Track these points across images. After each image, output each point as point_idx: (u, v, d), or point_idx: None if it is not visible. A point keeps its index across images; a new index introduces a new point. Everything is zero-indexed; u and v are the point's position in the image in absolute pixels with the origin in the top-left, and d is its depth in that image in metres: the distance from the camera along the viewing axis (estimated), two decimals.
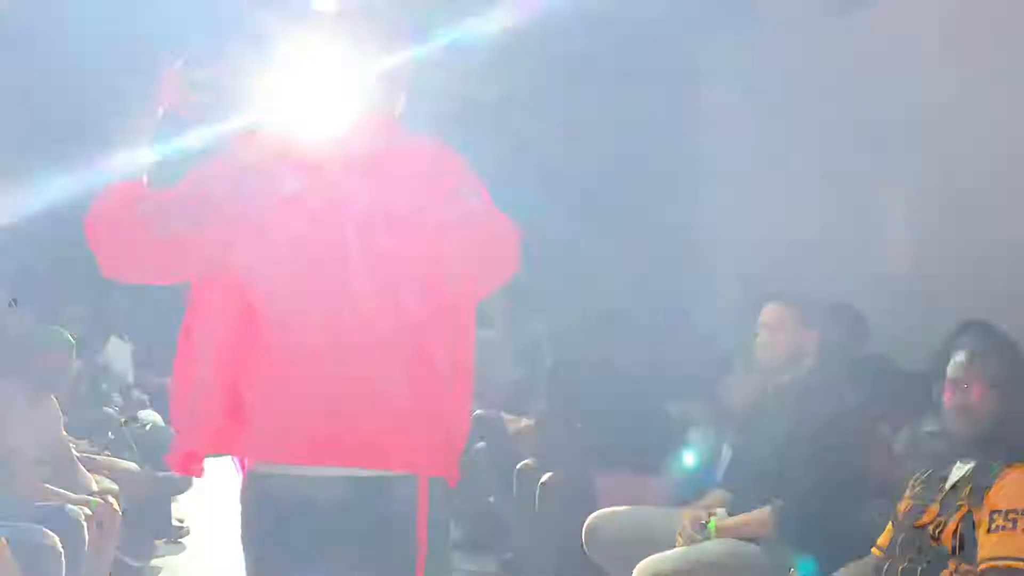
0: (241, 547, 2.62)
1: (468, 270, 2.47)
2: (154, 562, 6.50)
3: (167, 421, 7.85)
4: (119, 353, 8.28)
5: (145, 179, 2.46)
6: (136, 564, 6.16)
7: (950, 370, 3.28)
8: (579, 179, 7.64)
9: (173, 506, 7.12)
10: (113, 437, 6.34)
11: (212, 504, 8.27)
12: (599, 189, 7.60)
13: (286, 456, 2.48)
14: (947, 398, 3.26)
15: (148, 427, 7.46)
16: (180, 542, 6.95)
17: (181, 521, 7.14)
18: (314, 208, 2.42)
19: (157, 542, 6.73)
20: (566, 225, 7.41)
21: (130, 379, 8.40)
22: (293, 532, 2.51)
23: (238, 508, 2.62)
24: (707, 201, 7.91)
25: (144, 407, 8.10)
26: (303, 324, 2.43)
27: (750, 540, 4.03)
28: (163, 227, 2.44)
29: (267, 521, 2.55)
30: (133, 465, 6.18)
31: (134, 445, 6.70)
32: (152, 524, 6.63)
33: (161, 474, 6.73)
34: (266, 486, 2.54)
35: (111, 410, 6.98)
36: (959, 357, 3.27)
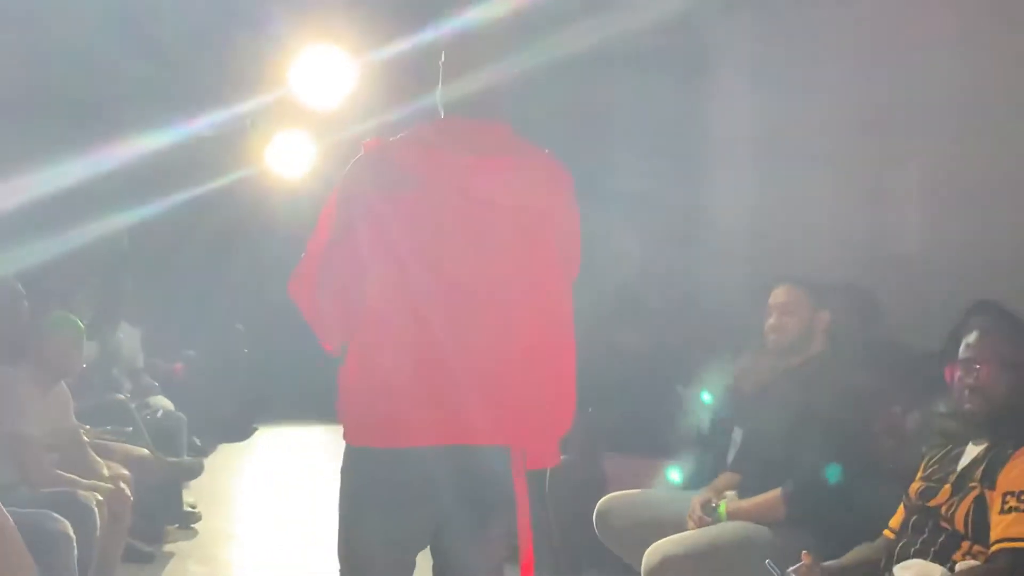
0: (339, 516, 2.97)
1: (574, 268, 2.94)
2: (166, 547, 6.51)
3: (177, 407, 7.91)
4: (129, 338, 8.30)
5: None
6: (148, 549, 6.19)
7: (962, 350, 3.27)
8: (588, 162, 7.63)
9: (185, 492, 7.14)
10: (131, 430, 6.34)
11: (224, 489, 8.31)
12: (608, 172, 7.59)
13: (402, 440, 2.80)
14: (959, 378, 3.24)
15: (159, 413, 7.49)
16: (192, 527, 6.96)
17: (193, 506, 7.15)
18: (450, 200, 2.78)
19: (169, 528, 6.74)
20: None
21: (140, 364, 8.42)
22: (403, 497, 2.82)
23: (340, 480, 2.96)
24: (717, 183, 7.89)
25: (154, 393, 8.13)
26: (431, 305, 2.77)
27: (761, 523, 4.02)
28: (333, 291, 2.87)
29: (378, 488, 2.85)
30: (144, 451, 6.18)
31: (145, 431, 6.72)
32: (164, 509, 6.64)
33: (172, 460, 6.76)
34: (374, 459, 2.85)
35: (122, 396, 6.99)
36: (971, 337, 3.26)
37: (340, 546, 3.02)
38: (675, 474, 4.81)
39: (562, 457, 5.07)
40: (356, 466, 2.92)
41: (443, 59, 2.96)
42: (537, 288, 2.84)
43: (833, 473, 3.93)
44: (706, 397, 5.30)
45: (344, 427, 2.93)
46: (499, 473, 2.86)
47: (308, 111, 9.11)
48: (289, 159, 10.43)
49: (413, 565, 2.98)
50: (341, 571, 3.06)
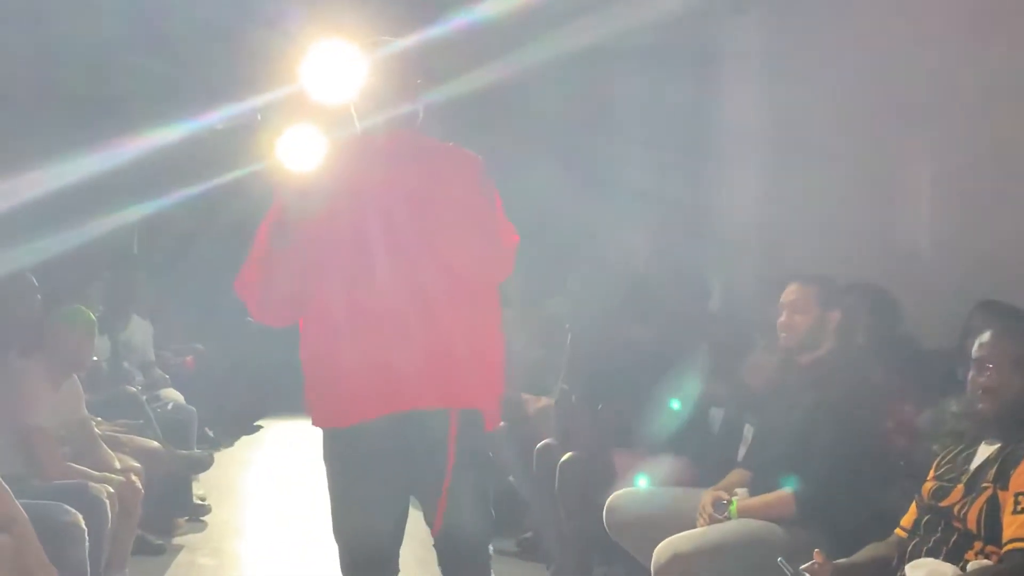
0: (330, 497, 3.36)
1: (504, 236, 3.30)
2: (176, 540, 6.53)
3: (188, 400, 7.93)
4: (140, 332, 8.32)
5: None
6: (158, 542, 6.21)
7: (975, 350, 3.25)
8: (600, 159, 7.64)
9: (194, 484, 7.16)
10: (142, 423, 6.36)
11: (233, 482, 8.33)
12: (620, 169, 7.59)
13: (354, 417, 3.20)
14: (972, 378, 3.24)
15: (170, 406, 7.51)
16: (202, 520, 6.98)
17: (203, 499, 7.17)
18: (368, 197, 3.22)
19: (179, 520, 6.75)
20: (587, 205, 7.41)
21: (151, 357, 8.44)
22: (367, 469, 3.23)
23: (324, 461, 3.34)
24: (726, 178, 7.88)
25: (165, 386, 8.15)
26: (361, 293, 3.18)
27: (771, 521, 4.02)
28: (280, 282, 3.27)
29: (346, 464, 3.27)
30: (155, 443, 6.21)
31: (156, 424, 6.74)
32: (174, 502, 6.66)
33: (183, 452, 6.78)
34: (339, 438, 3.26)
35: (133, 388, 7.01)
36: (984, 337, 3.25)
37: (332, 525, 3.40)
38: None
39: (572, 453, 5.14)
40: (329, 447, 3.33)
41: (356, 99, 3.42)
42: (460, 267, 3.24)
43: (844, 471, 3.93)
44: (717, 394, 5.30)
45: (313, 414, 3.32)
46: (441, 436, 3.24)
47: (318, 106, 9.10)
48: (299, 153, 10.42)
49: (399, 534, 3.37)
50: (338, 546, 3.41)
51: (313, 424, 3.34)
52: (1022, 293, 4.43)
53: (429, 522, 3.31)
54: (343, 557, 3.39)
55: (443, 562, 3.37)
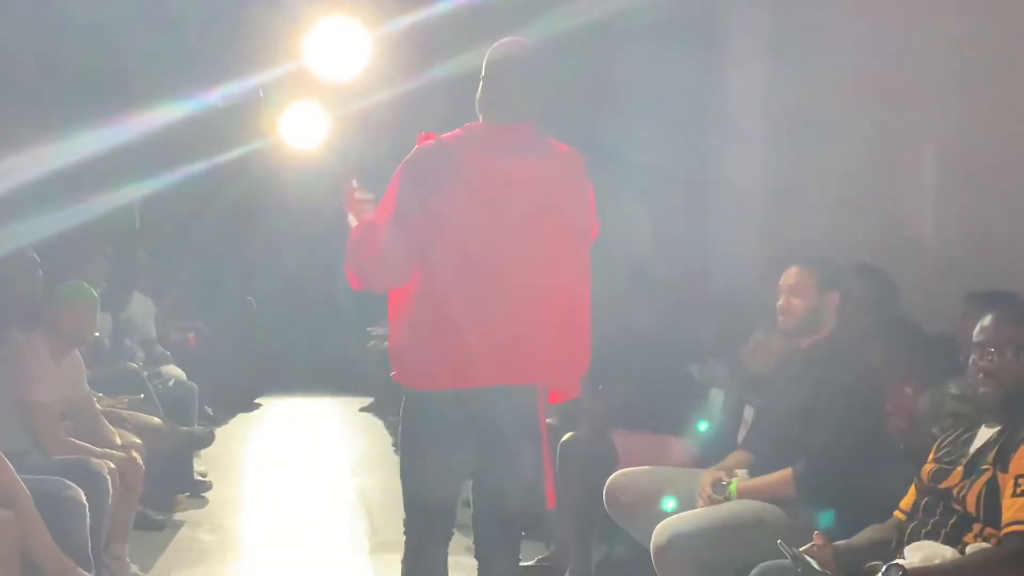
0: (401, 447, 3.67)
1: (591, 235, 3.65)
2: (176, 516, 6.55)
3: (190, 376, 7.94)
4: (141, 308, 8.32)
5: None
6: (159, 517, 6.23)
7: (976, 334, 3.26)
8: (604, 136, 7.61)
9: (195, 461, 7.17)
10: (143, 398, 6.37)
11: (233, 459, 8.35)
12: (623, 146, 7.57)
13: (449, 382, 3.47)
14: (973, 362, 3.24)
15: (171, 383, 7.52)
16: (203, 496, 7.00)
17: (203, 475, 7.20)
18: (492, 189, 3.48)
19: (179, 496, 6.77)
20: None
21: (152, 334, 8.45)
22: (445, 431, 3.51)
23: (401, 421, 3.65)
24: (731, 162, 7.87)
25: (167, 362, 8.16)
26: (475, 268, 3.44)
27: (771, 502, 4.02)
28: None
29: (425, 424, 3.54)
30: (156, 420, 6.22)
31: (157, 400, 6.75)
32: (174, 478, 6.68)
33: (184, 429, 6.79)
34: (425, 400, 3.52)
35: (134, 365, 7.02)
36: (985, 321, 3.25)
37: (402, 476, 3.64)
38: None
39: (573, 433, 5.15)
40: (411, 405, 3.59)
41: (484, 75, 3.59)
42: (560, 256, 3.54)
43: (843, 453, 3.93)
44: (718, 375, 5.31)
45: (400, 374, 3.57)
46: (530, 408, 3.55)
47: (321, 83, 9.09)
48: (302, 131, 10.42)
49: (460, 489, 3.67)
50: (404, 497, 3.65)
51: (401, 383, 3.58)
52: (1014, 279, 4.45)
53: (487, 489, 3.63)
54: (410, 507, 3.64)
55: (488, 530, 3.65)
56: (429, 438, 3.55)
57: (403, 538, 3.68)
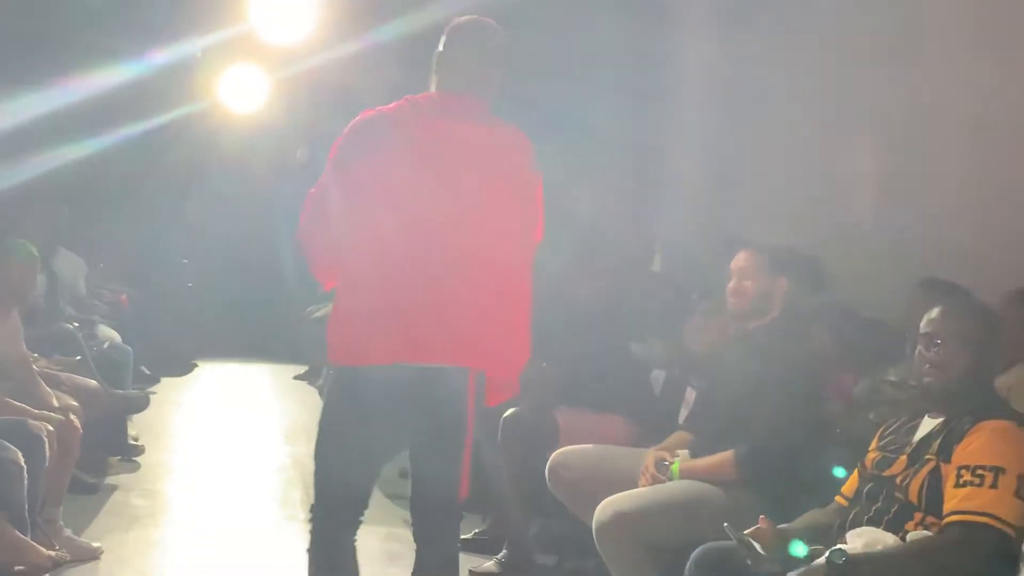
0: (320, 427, 3.49)
1: (536, 229, 3.48)
2: (108, 479, 6.50)
3: (124, 339, 7.84)
4: (69, 264, 8.15)
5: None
6: (92, 481, 6.17)
7: (923, 325, 3.31)
8: (553, 104, 7.61)
9: (128, 424, 7.11)
10: (79, 359, 6.29)
11: (167, 423, 8.28)
12: (572, 114, 7.57)
13: (371, 358, 3.33)
14: (919, 352, 3.30)
15: (106, 345, 7.43)
16: (135, 460, 6.95)
17: (136, 439, 7.13)
18: (434, 156, 3.33)
19: (112, 460, 6.72)
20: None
21: (82, 291, 8.31)
22: (371, 411, 3.35)
23: (325, 395, 3.53)
24: (674, 138, 7.91)
25: (98, 323, 8.05)
26: (409, 242, 3.29)
27: (713, 483, 4.06)
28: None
29: (350, 403, 3.39)
30: (93, 383, 6.15)
31: (92, 362, 6.67)
32: (108, 441, 6.62)
33: (119, 392, 6.73)
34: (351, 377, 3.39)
35: (70, 326, 6.92)
36: (933, 313, 3.31)
37: (317, 457, 3.50)
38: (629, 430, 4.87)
39: (515, 409, 5.17)
40: (337, 382, 3.48)
41: (442, 50, 3.49)
42: (502, 236, 3.39)
43: (786, 437, 3.99)
44: (660, 355, 5.35)
45: (329, 348, 3.42)
46: (459, 394, 3.42)
47: (263, 45, 9.00)
48: (243, 94, 10.31)
49: (377, 476, 3.54)
50: (316, 478, 3.51)
51: (329, 359, 3.48)
52: (954, 269, 4.53)
53: (413, 472, 3.52)
54: (320, 491, 3.50)
55: (427, 512, 3.54)
56: (352, 417, 3.41)
57: None
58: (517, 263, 3.46)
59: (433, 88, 3.49)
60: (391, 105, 3.43)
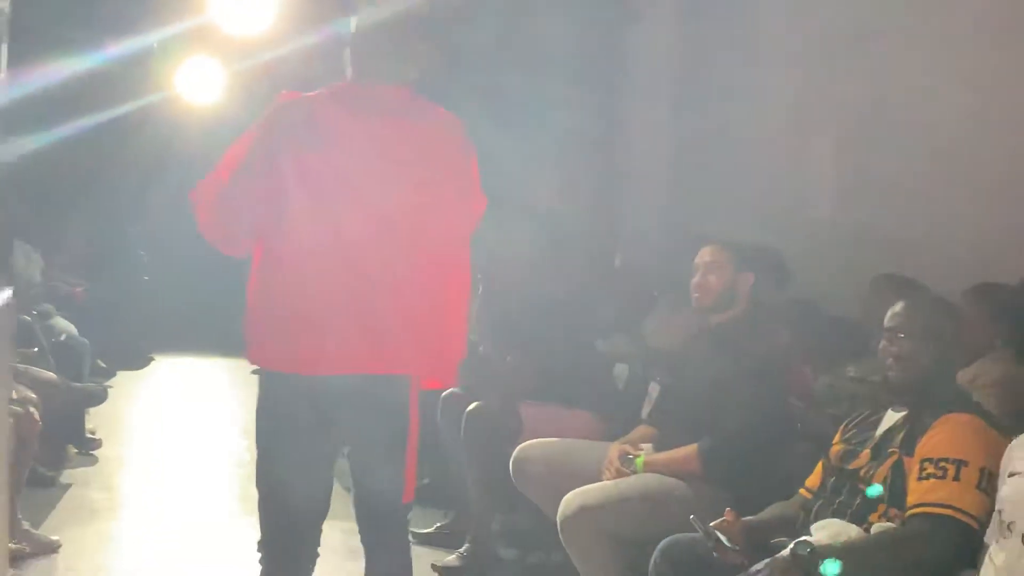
0: (256, 431, 3.29)
1: (477, 206, 3.32)
2: (66, 472, 6.47)
3: (81, 332, 7.77)
4: (21, 254, 8.05)
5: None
6: (49, 474, 6.13)
7: (887, 319, 3.34)
8: (514, 97, 7.61)
9: (86, 418, 7.05)
10: (37, 350, 6.23)
11: (123, 417, 8.22)
12: (534, 108, 7.57)
13: (306, 367, 3.15)
14: (883, 347, 3.33)
15: (63, 337, 7.37)
16: (92, 454, 6.90)
17: (92, 432, 7.07)
18: (356, 153, 3.15)
19: (70, 449, 6.69)
20: (497, 154, 7.38)
21: (37, 279, 8.21)
22: (302, 418, 3.17)
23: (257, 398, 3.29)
24: (635, 131, 7.93)
25: (53, 315, 7.97)
26: (331, 238, 3.10)
27: (677, 477, 4.07)
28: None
29: (281, 410, 3.21)
30: (52, 375, 6.10)
31: (49, 355, 6.62)
32: (66, 435, 6.56)
33: (77, 385, 6.67)
34: (280, 383, 3.20)
35: (27, 317, 6.85)
36: (897, 308, 3.34)
37: (259, 479, 3.30)
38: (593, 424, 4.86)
39: (479, 403, 5.16)
40: (268, 388, 3.28)
41: (354, 30, 3.33)
42: (434, 230, 3.21)
43: (749, 431, 4.01)
44: (623, 350, 5.37)
45: (248, 347, 3.25)
46: (395, 400, 3.22)
47: (221, 37, 8.93)
48: (199, 85, 10.24)
49: (329, 483, 3.34)
50: (260, 508, 3.31)
51: (250, 359, 3.26)
52: (915, 266, 4.58)
53: (357, 481, 3.33)
54: (265, 523, 3.29)
55: (369, 519, 3.35)
56: (286, 429, 3.22)
57: None
58: (452, 249, 3.30)
59: (349, 75, 3.33)
60: (313, 93, 3.26)
